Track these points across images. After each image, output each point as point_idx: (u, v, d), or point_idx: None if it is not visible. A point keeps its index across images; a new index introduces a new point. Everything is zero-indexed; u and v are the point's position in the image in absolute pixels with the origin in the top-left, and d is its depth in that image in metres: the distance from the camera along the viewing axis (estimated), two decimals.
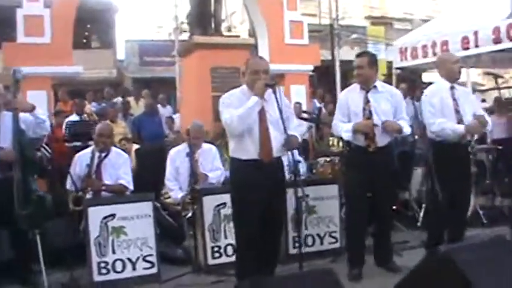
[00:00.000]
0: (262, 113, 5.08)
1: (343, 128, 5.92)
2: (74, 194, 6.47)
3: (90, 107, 12.93)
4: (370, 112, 5.92)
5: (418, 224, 7.96)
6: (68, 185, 6.81)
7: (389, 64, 26.19)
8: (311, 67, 14.69)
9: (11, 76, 6.14)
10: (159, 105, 14.02)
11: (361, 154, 5.91)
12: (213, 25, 11.32)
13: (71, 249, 6.28)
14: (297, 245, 6.25)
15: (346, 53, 24.51)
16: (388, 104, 6.02)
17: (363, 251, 6.05)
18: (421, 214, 8.11)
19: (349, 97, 6.07)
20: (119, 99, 14.56)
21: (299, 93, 13.88)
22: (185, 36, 29.67)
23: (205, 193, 6.51)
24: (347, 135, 5.90)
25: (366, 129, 5.85)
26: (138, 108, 13.92)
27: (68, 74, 12.32)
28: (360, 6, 38.35)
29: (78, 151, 7.25)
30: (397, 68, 12.51)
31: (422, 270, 4.17)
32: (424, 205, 8.13)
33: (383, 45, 28.22)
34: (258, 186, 4.99)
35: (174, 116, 13.29)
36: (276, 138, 5.10)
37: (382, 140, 5.92)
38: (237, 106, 5.05)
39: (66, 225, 6.72)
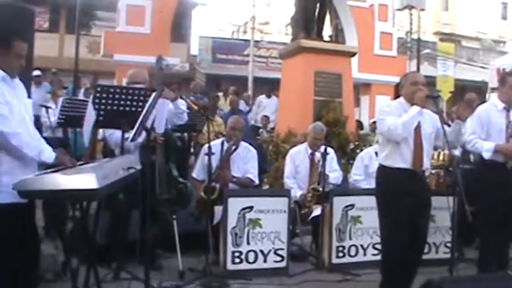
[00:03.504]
0: (417, 126, 5.22)
1: (483, 146, 5.96)
2: (204, 183, 6.69)
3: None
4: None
5: None
6: (195, 173, 7.06)
7: (457, 82, 26.23)
8: (397, 79, 14.66)
9: (155, 64, 6.33)
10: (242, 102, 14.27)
11: (498, 170, 5.97)
12: (315, 30, 11.43)
13: (191, 237, 6.50)
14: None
15: (414, 67, 24.45)
16: None
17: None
18: None
19: (491, 114, 6.12)
20: None
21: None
22: (258, 36, 30.12)
23: (336, 194, 6.69)
24: (488, 155, 5.94)
25: (510, 154, 5.90)
26: (225, 103, 14.18)
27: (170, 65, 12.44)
28: (430, 21, 38.07)
29: None
30: (493, 89, 12.46)
31: None
32: None
33: (452, 62, 27.99)
34: (409, 194, 5.12)
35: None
36: (428, 151, 5.28)
37: None
38: (396, 115, 5.19)
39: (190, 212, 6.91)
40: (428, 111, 5.34)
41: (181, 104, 6.44)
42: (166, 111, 6.10)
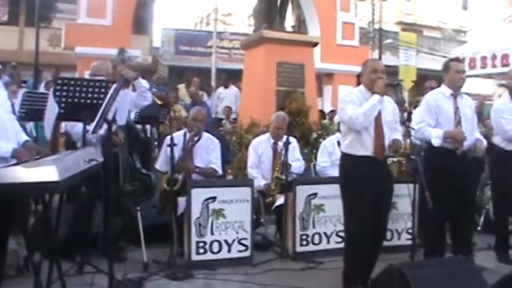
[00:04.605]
0: (377, 114, 5.28)
1: (432, 133, 6.05)
2: (167, 174, 6.69)
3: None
4: (460, 118, 6.10)
5: (479, 228, 8.13)
6: (158, 165, 7.05)
7: (418, 71, 26.51)
8: (360, 69, 14.78)
9: (117, 56, 6.30)
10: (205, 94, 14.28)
11: (449, 156, 6.04)
12: (277, 20, 11.47)
13: (155, 228, 6.52)
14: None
15: (377, 57, 24.66)
16: (470, 110, 6.26)
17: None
18: (482, 219, 8.30)
19: (439, 101, 6.19)
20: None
21: None
22: (221, 27, 30.05)
23: (298, 183, 6.73)
24: (437, 142, 6.02)
25: (459, 137, 6.00)
26: (186, 95, 14.14)
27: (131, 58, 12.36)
28: (392, 11, 38.37)
29: None
30: None
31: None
32: (484, 210, 8.32)
33: (414, 52, 28.30)
34: (372, 181, 5.20)
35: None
36: (389, 138, 5.35)
37: (466, 145, 6.09)
38: (357, 104, 5.25)
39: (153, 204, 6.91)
40: (389, 99, 5.41)
41: (144, 82, 6.40)
42: (129, 103, 6.09)
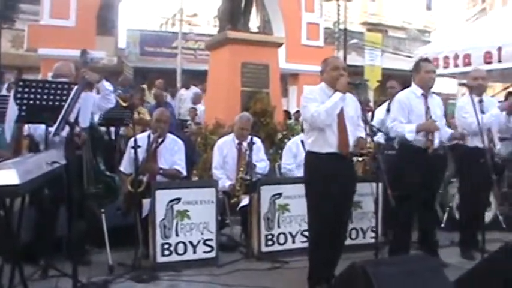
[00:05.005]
0: (340, 110, 5.33)
1: (405, 128, 6.18)
2: (131, 176, 6.66)
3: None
4: (431, 117, 6.27)
5: (442, 225, 8.23)
6: (123, 167, 7.01)
7: (384, 71, 26.73)
8: None
9: (79, 58, 6.24)
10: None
11: (419, 155, 6.18)
12: (242, 21, 11.49)
13: (123, 230, 6.46)
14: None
15: (342, 57, 24.83)
16: (440, 110, 6.42)
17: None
18: (445, 216, 8.43)
19: (411, 100, 6.33)
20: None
21: None
22: (187, 28, 29.96)
23: (263, 183, 6.76)
24: (411, 136, 6.15)
25: (432, 129, 6.16)
26: (150, 96, 14.11)
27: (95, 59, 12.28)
28: (357, 12, 38.64)
29: None
30: None
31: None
32: (448, 208, 8.46)
33: (379, 52, 28.54)
34: (336, 179, 5.24)
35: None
36: (353, 134, 5.39)
37: (436, 143, 6.25)
38: (319, 101, 5.29)
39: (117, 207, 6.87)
40: (351, 95, 5.45)
41: (107, 84, 6.36)
42: (91, 105, 6.04)
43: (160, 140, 6.98)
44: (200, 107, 13.46)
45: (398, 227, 6.34)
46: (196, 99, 13.93)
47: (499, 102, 7.94)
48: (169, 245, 6.19)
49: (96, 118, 7.34)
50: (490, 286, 4.60)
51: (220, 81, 11.06)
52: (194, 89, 14.54)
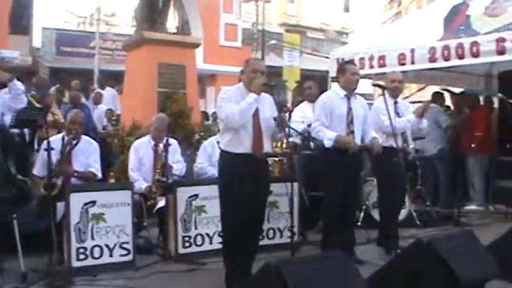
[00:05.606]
0: (255, 111, 5.38)
1: (326, 134, 6.32)
2: (45, 179, 6.51)
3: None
4: (352, 118, 6.43)
5: (359, 223, 8.40)
6: (36, 170, 6.85)
7: (302, 71, 27.07)
8: None
9: None
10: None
11: (340, 156, 6.32)
12: (159, 21, 11.41)
13: (37, 235, 6.31)
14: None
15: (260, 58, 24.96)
16: (363, 110, 6.60)
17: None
18: (361, 214, 8.64)
19: (334, 101, 6.46)
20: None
21: None
22: (105, 28, 29.50)
23: (179, 185, 6.73)
24: (328, 143, 6.30)
25: (347, 146, 6.31)
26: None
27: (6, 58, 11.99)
28: (276, 13, 38.90)
29: None
30: (333, 78, 12.92)
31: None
32: (364, 206, 8.66)
33: (297, 53, 28.88)
34: (250, 179, 5.28)
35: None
36: (268, 135, 5.47)
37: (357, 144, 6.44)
38: (234, 102, 5.32)
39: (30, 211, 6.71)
40: (267, 95, 5.51)
41: (19, 84, 6.21)
42: (1, 106, 5.89)
43: (74, 142, 6.87)
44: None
45: (327, 226, 6.48)
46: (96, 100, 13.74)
47: (412, 103, 8.21)
48: (85, 249, 6.09)
49: (8, 119, 7.13)
50: (401, 281, 4.73)
51: (136, 82, 10.95)
52: (111, 90, 14.33)
